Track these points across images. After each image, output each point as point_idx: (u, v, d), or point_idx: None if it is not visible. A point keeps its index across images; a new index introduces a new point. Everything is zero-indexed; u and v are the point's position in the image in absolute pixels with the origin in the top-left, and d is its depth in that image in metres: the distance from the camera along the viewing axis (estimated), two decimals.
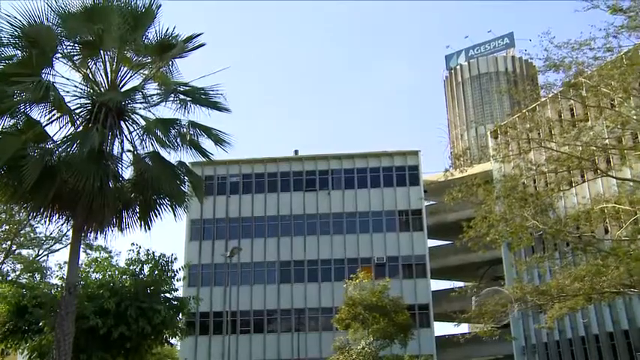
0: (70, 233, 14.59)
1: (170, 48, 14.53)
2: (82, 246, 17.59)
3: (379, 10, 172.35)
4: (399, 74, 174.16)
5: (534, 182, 25.47)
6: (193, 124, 15.07)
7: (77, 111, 14.14)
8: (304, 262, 52.06)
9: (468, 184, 21.71)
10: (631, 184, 21.89)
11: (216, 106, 15.11)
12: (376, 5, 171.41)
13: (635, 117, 19.77)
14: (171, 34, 14.58)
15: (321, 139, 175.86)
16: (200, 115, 15.03)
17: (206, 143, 15.30)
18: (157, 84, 14.88)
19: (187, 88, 15.02)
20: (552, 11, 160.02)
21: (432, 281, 54.04)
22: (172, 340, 22.20)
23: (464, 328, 56.90)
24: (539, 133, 23.48)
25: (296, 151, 57.13)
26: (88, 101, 14.24)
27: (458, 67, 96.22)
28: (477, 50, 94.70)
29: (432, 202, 58.27)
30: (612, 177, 23.29)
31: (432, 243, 58.60)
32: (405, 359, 33.54)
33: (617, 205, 21.46)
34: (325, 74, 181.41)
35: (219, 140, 15.20)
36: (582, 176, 31.59)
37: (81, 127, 14.03)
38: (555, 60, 19.43)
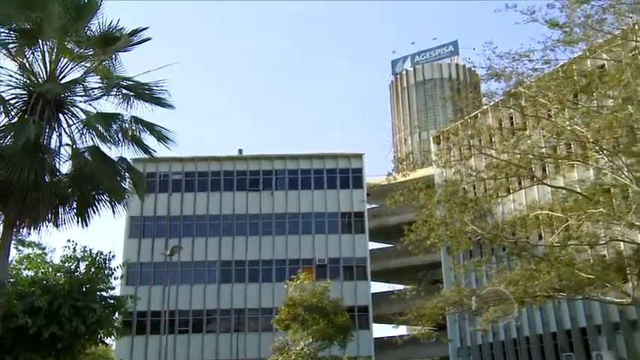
0: (0, 228, 14.03)
1: (114, 41, 14.20)
2: (13, 242, 16.92)
3: (330, 12, 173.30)
4: (347, 76, 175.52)
5: (474, 188, 26.12)
6: (136, 120, 14.75)
7: (12, 101, 13.63)
8: (245, 262, 51.74)
9: (410, 188, 22.06)
10: (564, 192, 22.67)
11: (160, 102, 14.84)
12: (327, 6, 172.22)
13: (569, 128, 20.53)
14: (116, 26, 14.24)
15: (266, 139, 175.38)
16: (143, 110, 14.75)
17: (149, 140, 15.01)
18: (98, 77, 14.51)
19: (131, 82, 14.70)
20: (495, 22, 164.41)
21: (373, 283, 54.68)
22: (107, 340, 21.59)
23: (402, 330, 57.76)
24: (480, 140, 24.10)
25: (240, 151, 56.76)
26: (24, 92, 13.76)
27: (404, 72, 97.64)
28: (423, 56, 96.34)
29: (374, 205, 58.88)
30: (547, 185, 24.09)
31: (374, 245, 59.26)
32: None
33: (551, 212, 22.20)
34: (273, 74, 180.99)
35: (162, 137, 14.93)
36: (519, 183, 32.55)
37: (16, 119, 13.54)
38: (497, 69, 20.00)
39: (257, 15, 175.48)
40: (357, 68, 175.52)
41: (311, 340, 32.62)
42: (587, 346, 38.38)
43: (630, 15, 18.30)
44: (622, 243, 22.73)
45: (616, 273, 23.11)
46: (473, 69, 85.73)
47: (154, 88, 14.68)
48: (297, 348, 32.52)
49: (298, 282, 34.86)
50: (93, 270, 19.97)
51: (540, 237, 26.15)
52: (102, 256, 20.44)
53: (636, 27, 19.11)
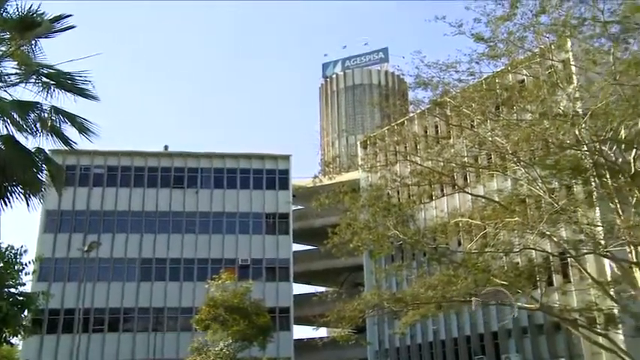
0: None
1: (34, 26, 13.49)
2: None
3: (263, 12, 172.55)
4: (278, 77, 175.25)
5: (398, 193, 26.61)
6: (56, 110, 14.08)
7: None
8: (167, 261, 50.66)
9: (335, 191, 22.20)
10: (483, 200, 23.42)
11: (82, 93, 14.24)
12: (261, 6, 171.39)
13: (490, 139, 21.25)
14: (36, 11, 13.53)
15: (193, 136, 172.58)
16: (65, 101, 14.12)
17: (70, 131, 14.37)
18: (16, 63, 13.80)
19: (52, 71, 14.03)
20: (425, 32, 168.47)
21: (295, 285, 54.74)
22: (13, 340, 20.57)
23: (323, 332, 58.14)
24: (405, 147, 24.57)
25: (166, 147, 55.60)
26: None
27: (334, 76, 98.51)
28: (353, 61, 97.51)
29: (299, 207, 58.98)
30: (468, 193, 24.85)
31: (298, 247, 59.37)
32: None
33: (470, 220, 22.87)
34: (203, 72, 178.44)
35: (83, 129, 14.32)
36: (442, 190, 33.51)
37: None
38: (425, 78, 20.46)
39: (188, 12, 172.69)
40: (288, 69, 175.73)
41: (231, 341, 32.32)
42: (497, 349, 39.83)
43: (548, 35, 19.16)
44: (534, 251, 23.70)
45: (527, 280, 24.10)
46: (401, 77, 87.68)
47: (77, 78, 14.08)
48: (217, 348, 32.16)
49: (220, 282, 34.47)
50: (1, 265, 19.00)
51: (459, 243, 26.90)
52: (12, 251, 19.46)
53: (553, 47, 20.02)
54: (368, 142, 29.31)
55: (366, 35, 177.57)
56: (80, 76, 14.06)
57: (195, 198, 52.67)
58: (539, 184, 21.05)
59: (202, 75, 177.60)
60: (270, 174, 54.44)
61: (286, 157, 55.25)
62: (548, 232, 20.13)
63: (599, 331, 23.25)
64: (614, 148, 20.23)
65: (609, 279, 25.22)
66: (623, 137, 19.74)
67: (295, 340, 50.73)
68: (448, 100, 21.43)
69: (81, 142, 14.73)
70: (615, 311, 24.31)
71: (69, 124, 14.27)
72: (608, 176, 20.23)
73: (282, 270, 51.73)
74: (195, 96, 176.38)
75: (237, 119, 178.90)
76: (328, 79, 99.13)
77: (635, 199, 19.35)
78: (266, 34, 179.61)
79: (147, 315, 49.31)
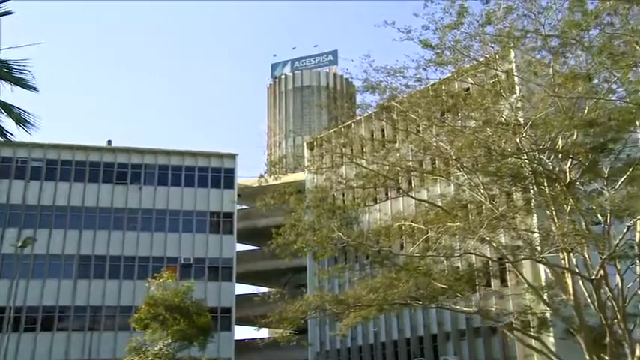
0: None
1: None
2: None
3: (214, 10, 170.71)
4: (226, 76, 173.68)
5: (343, 195, 26.74)
6: None
7: None
8: (106, 258, 49.43)
9: (280, 191, 22.12)
10: (426, 205, 23.79)
11: (21, 83, 13.67)
12: (210, 4, 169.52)
13: (435, 144, 21.62)
14: None
15: (137, 132, 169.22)
16: (2, 90, 13.55)
17: (6, 122, 13.80)
18: None
19: None
20: (374, 36, 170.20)
21: (238, 285, 54.39)
22: None
23: (264, 332, 57.91)
24: (352, 150, 24.72)
25: (109, 142, 54.32)
26: None
27: (283, 76, 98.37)
28: (302, 62, 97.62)
29: (244, 207, 58.66)
30: (411, 197, 25.17)
31: (241, 247, 59.03)
32: None
33: (413, 224, 23.20)
34: (150, 68, 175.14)
35: (21, 120, 13.73)
36: (386, 194, 33.90)
37: None
38: (373, 82, 20.59)
39: (137, 6, 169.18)
40: (237, 68, 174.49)
41: (170, 341, 31.82)
42: (436, 352, 40.59)
43: (492, 45, 19.64)
44: (474, 256, 24.23)
45: (466, 284, 24.62)
46: (350, 80, 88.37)
47: (15, 67, 13.51)
48: (155, 348, 31.58)
49: (161, 280, 33.90)
50: None
51: (402, 247, 27.25)
52: None
53: (497, 57, 20.54)
54: (315, 144, 29.36)
55: (316, 37, 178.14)
56: (19, 65, 13.51)
57: (139, 195, 51.66)
58: (481, 191, 21.53)
59: (150, 71, 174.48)
60: (216, 172, 53.92)
61: (232, 156, 54.83)
62: (488, 238, 20.61)
63: (532, 333, 23.97)
64: (552, 157, 20.90)
65: (543, 284, 26.06)
66: (560, 147, 20.41)
67: (236, 340, 50.40)
68: (395, 104, 21.67)
69: (18, 134, 14.18)
70: (548, 315, 25.15)
71: (5, 114, 13.70)
72: (545, 184, 20.88)
73: (225, 270, 51.30)
74: (142, 92, 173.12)
75: (185, 117, 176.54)
76: (277, 80, 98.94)
77: (569, 207, 20.05)
78: (216, 31, 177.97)
79: (83, 314, 48.00)
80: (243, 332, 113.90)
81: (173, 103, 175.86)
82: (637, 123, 19.80)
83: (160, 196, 52.04)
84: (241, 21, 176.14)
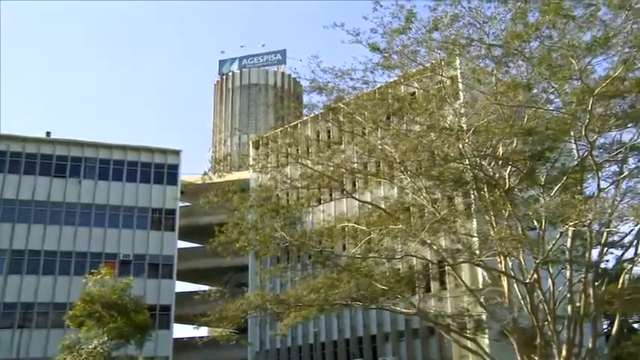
0: None
1: None
2: None
3: (163, 4, 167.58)
4: (173, 71, 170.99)
5: (287, 195, 26.70)
6: None
7: None
8: (41, 253, 47.87)
9: (224, 189, 21.92)
10: (370, 206, 24.01)
11: None
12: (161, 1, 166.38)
13: (380, 147, 21.85)
14: None
15: (79, 125, 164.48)
16: None
17: None
18: None
19: None
20: (323, 37, 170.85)
21: (178, 283, 53.67)
22: None
23: (203, 331, 57.30)
24: (297, 150, 24.74)
25: (48, 133, 52.65)
26: None
27: (230, 73, 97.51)
28: (251, 61, 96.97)
29: (187, 204, 57.91)
30: (355, 199, 25.36)
31: (183, 244, 58.24)
32: None
33: (356, 225, 23.37)
34: (97, 60, 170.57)
35: None
36: (330, 195, 34.03)
37: None
38: (320, 83, 20.66)
39: None
40: (184, 64, 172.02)
41: (106, 339, 31.04)
42: (375, 352, 41.03)
43: (439, 51, 20.01)
44: (414, 258, 24.60)
45: (406, 285, 24.99)
46: (297, 80, 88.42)
47: None
48: (90, 347, 30.74)
49: (99, 277, 33.06)
50: None
51: (344, 248, 27.42)
52: None
53: (443, 63, 20.94)
54: (260, 143, 29.17)
55: (265, 36, 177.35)
56: None
57: (78, 188, 50.26)
58: (424, 194, 21.88)
59: (95, 64, 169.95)
60: (159, 168, 53.03)
61: (176, 152, 54.03)
62: (428, 241, 20.95)
63: (468, 335, 24.52)
64: (492, 163, 21.44)
65: (481, 287, 26.69)
66: (501, 154, 20.96)
67: (175, 339, 49.69)
68: (342, 106, 21.80)
69: None
70: (484, 317, 25.79)
71: None
72: (485, 190, 21.40)
73: (166, 267, 50.53)
74: (87, 85, 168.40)
75: (130, 111, 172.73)
76: (224, 77, 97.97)
77: (507, 212, 20.61)
78: (164, 25, 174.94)
79: (13, 310, 46.29)
80: (182, 331, 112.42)
81: (119, 97, 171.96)
82: (572, 133, 20.51)
83: (100, 190, 50.77)
84: (190, 16, 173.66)
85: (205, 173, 22.48)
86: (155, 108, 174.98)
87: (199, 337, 30.21)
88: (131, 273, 43.92)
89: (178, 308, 49.87)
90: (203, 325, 26.91)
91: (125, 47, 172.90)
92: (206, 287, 60.43)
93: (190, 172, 54.04)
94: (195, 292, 47.99)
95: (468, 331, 25.38)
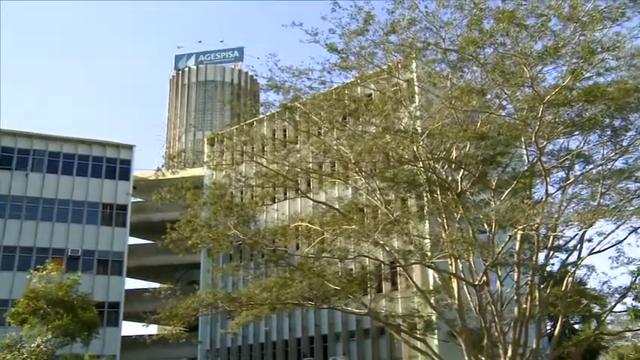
0: None
1: None
2: None
3: None
4: (127, 64, 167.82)
5: (241, 193, 26.56)
6: None
7: None
8: None
9: (178, 186, 21.65)
10: (324, 207, 24.06)
11: None
12: None
13: (335, 147, 21.93)
14: None
15: (31, 116, 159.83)
16: None
17: None
18: None
19: None
20: (282, 36, 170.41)
21: (128, 279, 52.69)
22: None
23: (153, 329, 56.51)
24: (252, 148, 24.60)
25: None
26: None
27: (186, 69, 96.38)
28: (208, 57, 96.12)
29: (139, 200, 56.96)
30: (310, 198, 25.38)
31: (134, 241, 57.28)
32: (85, 359, 31.80)
33: (310, 225, 23.39)
34: (50, 51, 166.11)
35: None
36: (285, 194, 33.97)
37: None
38: (277, 82, 20.60)
39: None
40: (138, 57, 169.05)
41: (50, 337, 30.18)
42: (326, 352, 41.12)
43: (396, 54, 20.19)
44: (367, 259, 24.76)
45: (358, 286, 25.14)
46: (255, 78, 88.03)
47: None
48: (33, 345, 29.81)
49: (45, 273, 32.13)
50: None
51: (298, 247, 27.40)
52: None
53: (399, 65, 21.14)
54: (215, 140, 28.97)
55: (223, 32, 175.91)
56: None
57: (25, 181, 48.80)
58: (377, 195, 22.06)
59: (49, 55, 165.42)
60: (111, 163, 51.95)
61: (129, 147, 53.03)
62: (381, 242, 21.12)
63: (418, 335, 24.83)
64: (446, 166, 21.76)
65: (431, 288, 27.08)
66: (454, 157, 21.29)
67: (123, 336, 48.72)
68: (298, 105, 21.79)
69: None
70: (433, 318, 26.17)
71: None
72: (438, 192, 21.71)
73: (116, 263, 49.56)
74: (39, 76, 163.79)
75: (79, 103, 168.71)
76: (180, 72, 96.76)
77: (459, 215, 20.95)
78: (120, 17, 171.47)
79: None
80: (131, 328, 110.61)
81: (71, 89, 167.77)
82: (522, 139, 20.98)
83: (48, 183, 49.40)
84: (147, 9, 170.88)
85: (159, 169, 22.16)
86: (108, 102, 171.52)
87: (148, 335, 29.78)
88: (79, 269, 42.87)
89: (128, 305, 48.98)
90: (153, 322, 26.56)
91: (79, 38, 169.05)
92: (157, 285, 59.49)
93: (143, 168, 53.22)
94: (146, 289, 47.12)
95: (417, 332, 25.70)
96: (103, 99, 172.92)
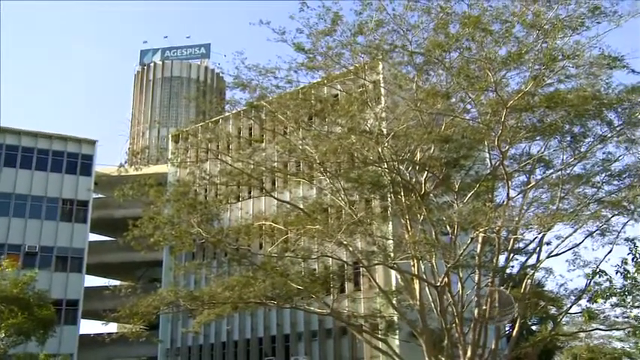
0: None
1: None
2: None
3: None
4: (91, 58, 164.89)
5: (205, 191, 26.34)
6: None
7: None
8: None
9: (141, 182, 21.38)
10: (288, 206, 24.05)
11: None
12: None
13: (300, 147, 21.93)
14: None
15: None
16: None
17: None
18: None
19: None
20: (249, 34, 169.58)
21: (88, 277, 51.78)
22: None
23: (112, 327, 55.58)
24: (217, 146, 24.43)
25: None
26: None
27: (152, 64, 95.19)
28: (174, 53, 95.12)
29: (100, 196, 56.07)
30: (274, 198, 25.34)
31: (95, 237, 56.33)
32: (41, 358, 31.08)
33: (274, 224, 23.35)
34: (15, 42, 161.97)
35: None
36: (249, 193, 33.85)
37: None
38: (244, 80, 20.50)
39: None
40: (103, 51, 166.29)
41: (3, 335, 29.43)
42: (287, 351, 41.11)
43: (362, 55, 20.29)
44: (330, 259, 24.83)
45: (321, 286, 25.18)
46: (221, 75, 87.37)
47: None
48: None
49: (0, 270, 31.35)
50: None
51: (261, 246, 27.32)
52: None
53: (366, 67, 21.25)
54: (180, 137, 28.67)
55: (190, 28, 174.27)
56: None
57: None
58: (342, 196, 22.13)
59: (13, 47, 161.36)
60: (72, 158, 50.94)
61: (92, 142, 52.09)
62: (345, 242, 21.19)
63: (379, 336, 25.00)
64: (410, 168, 21.95)
65: (394, 289, 27.29)
66: (418, 159, 21.50)
67: (81, 335, 47.86)
68: (264, 104, 21.73)
69: None
70: (395, 318, 26.38)
71: None
72: (402, 194, 21.89)
73: (75, 260, 48.64)
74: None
75: (45, 98, 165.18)
76: (145, 67, 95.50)
77: (422, 217, 21.16)
78: (83, 9, 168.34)
79: None
80: (90, 327, 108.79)
81: (31, 81, 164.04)
82: (486, 142, 21.30)
83: (5, 178, 48.19)
84: (114, 1, 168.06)
85: (121, 165, 21.84)
86: (70, 96, 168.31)
87: (107, 334, 29.30)
88: (37, 265, 41.98)
89: (87, 303, 48.12)
90: (112, 321, 26.08)
91: (40, 29, 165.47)
92: (117, 282, 58.66)
93: (106, 164, 52.35)
94: (106, 286, 46.42)
95: (379, 332, 25.87)
96: (64, 93, 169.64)
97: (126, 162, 22.17)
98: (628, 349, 30.36)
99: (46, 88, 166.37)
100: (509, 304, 20.03)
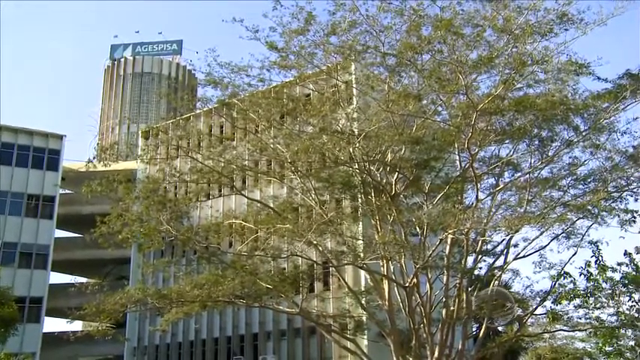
0: None
1: None
2: None
3: None
4: (61, 51, 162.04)
5: (175, 189, 26.11)
6: None
7: None
8: None
9: (109, 179, 21.11)
10: (258, 205, 23.99)
11: None
12: None
13: (272, 146, 21.90)
14: None
15: None
16: None
17: None
18: None
19: None
20: (222, 31, 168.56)
21: (53, 274, 50.89)
22: None
23: (77, 325, 54.76)
24: (188, 143, 24.24)
25: None
26: None
27: (122, 59, 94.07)
28: (145, 48, 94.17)
29: (67, 191, 55.18)
30: (244, 196, 25.25)
31: (61, 234, 55.41)
32: (1, 358, 30.43)
33: (244, 223, 23.26)
34: None
35: None
36: (219, 191, 33.66)
37: None
38: (216, 77, 20.38)
39: None
40: (73, 44, 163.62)
41: None
42: (256, 351, 40.97)
43: (335, 55, 20.34)
44: (300, 258, 24.83)
45: (291, 285, 25.18)
46: (193, 72, 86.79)
47: None
48: None
49: None
50: None
51: (231, 245, 27.18)
52: None
53: (338, 67, 21.30)
54: (150, 133, 28.35)
55: (162, 24, 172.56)
56: None
57: None
58: (312, 195, 22.15)
59: None
60: (39, 152, 49.97)
61: (59, 137, 51.17)
62: (315, 242, 21.21)
63: (348, 336, 25.08)
64: (381, 169, 22.07)
65: (363, 289, 27.40)
66: (389, 160, 21.63)
67: (45, 333, 47.02)
68: (236, 102, 21.63)
69: None
70: (364, 318, 26.49)
71: None
72: (372, 194, 21.99)
73: (40, 257, 47.73)
74: None
75: (12, 91, 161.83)
76: (116, 62, 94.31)
77: (392, 217, 21.29)
78: (51, 3, 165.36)
79: None
80: (54, 325, 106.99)
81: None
82: (456, 145, 21.52)
83: None
84: None
85: (90, 161, 21.52)
86: (37, 90, 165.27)
87: (72, 332, 28.84)
88: (0, 262, 41.14)
89: (51, 300, 47.29)
90: (78, 319, 25.65)
91: (9, 21, 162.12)
92: (84, 279, 57.77)
93: (74, 159, 51.57)
94: (71, 284, 45.70)
95: (348, 332, 25.94)
96: (32, 86, 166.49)
97: (94, 157, 21.85)
98: (589, 350, 30.92)
99: (12, 82, 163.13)
100: (508, 304, 20.27)
